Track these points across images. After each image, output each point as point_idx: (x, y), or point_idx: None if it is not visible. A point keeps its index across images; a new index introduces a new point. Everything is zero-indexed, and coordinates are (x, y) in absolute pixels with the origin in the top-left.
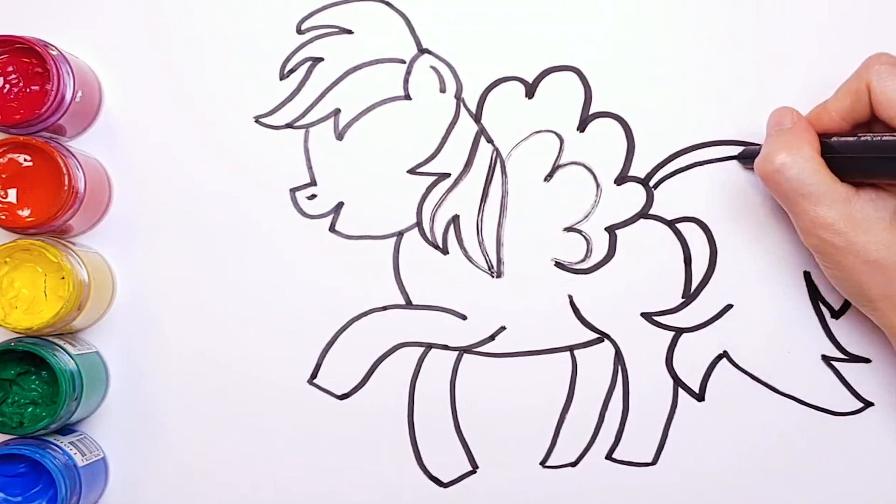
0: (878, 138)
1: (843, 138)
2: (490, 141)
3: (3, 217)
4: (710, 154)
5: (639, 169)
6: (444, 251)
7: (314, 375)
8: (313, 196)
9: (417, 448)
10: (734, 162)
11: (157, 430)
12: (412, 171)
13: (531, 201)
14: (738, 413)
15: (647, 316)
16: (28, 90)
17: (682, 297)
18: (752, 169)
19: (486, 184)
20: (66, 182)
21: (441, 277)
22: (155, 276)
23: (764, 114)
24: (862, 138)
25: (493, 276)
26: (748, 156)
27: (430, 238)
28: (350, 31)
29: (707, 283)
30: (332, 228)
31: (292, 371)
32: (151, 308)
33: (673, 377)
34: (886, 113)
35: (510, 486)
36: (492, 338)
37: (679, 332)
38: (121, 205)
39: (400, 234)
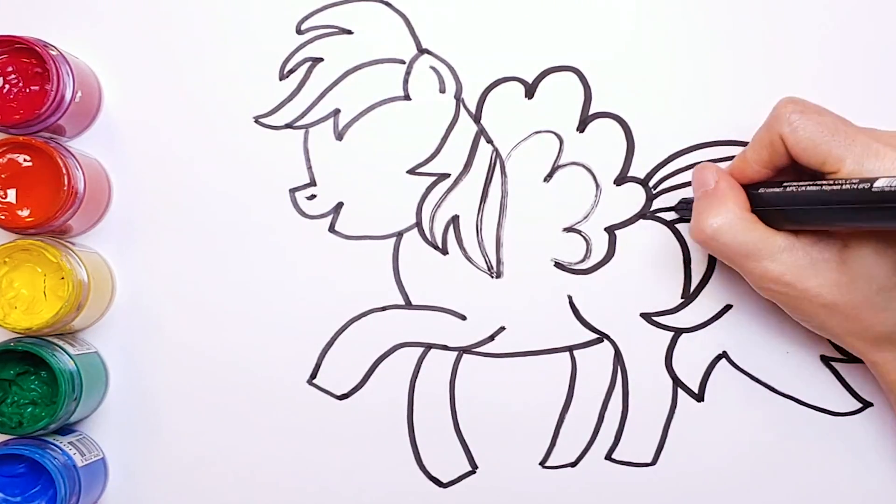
0: (803, 188)
1: (769, 189)
2: (490, 141)
3: (3, 217)
4: (710, 154)
5: (638, 169)
6: (444, 251)
7: (314, 375)
8: (313, 196)
9: (417, 448)
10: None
11: (157, 430)
12: (412, 172)
13: (531, 201)
14: (738, 413)
15: (646, 316)
16: (28, 90)
17: (682, 298)
18: (687, 221)
19: (485, 184)
20: (66, 182)
21: (441, 278)
22: (154, 276)
23: (764, 114)
24: (788, 189)
25: (492, 277)
26: (682, 209)
27: (429, 238)
28: (350, 32)
29: (706, 283)
30: (331, 229)
31: (292, 371)
32: (151, 308)
33: (672, 377)
34: (804, 160)
35: (510, 487)
36: (491, 338)
37: (678, 332)
38: (120, 205)
39: (399, 235)
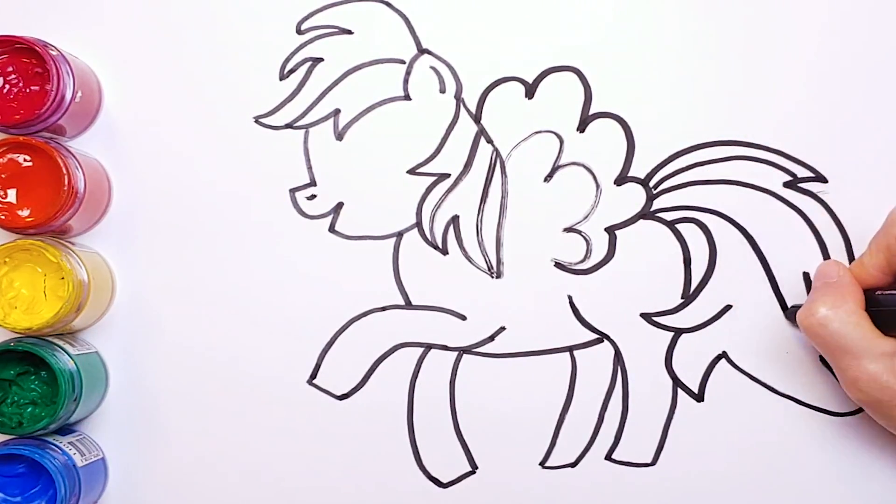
0: None
1: (887, 292)
2: (490, 141)
3: (3, 217)
4: (710, 154)
5: (639, 169)
6: (444, 251)
7: (314, 375)
8: (313, 196)
9: (417, 448)
10: (733, 163)
11: (157, 430)
12: (412, 172)
13: (531, 202)
14: (738, 413)
15: (646, 316)
16: (28, 90)
17: (682, 298)
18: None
19: (485, 184)
20: (66, 182)
21: (441, 278)
22: (155, 276)
23: (764, 114)
24: None
25: (492, 277)
26: (794, 313)
27: (429, 238)
28: (350, 32)
29: (706, 283)
30: (331, 229)
31: (292, 371)
32: (151, 308)
33: (672, 378)
34: None
35: (510, 487)
36: (491, 338)
37: (678, 332)
38: (121, 205)
39: (400, 235)
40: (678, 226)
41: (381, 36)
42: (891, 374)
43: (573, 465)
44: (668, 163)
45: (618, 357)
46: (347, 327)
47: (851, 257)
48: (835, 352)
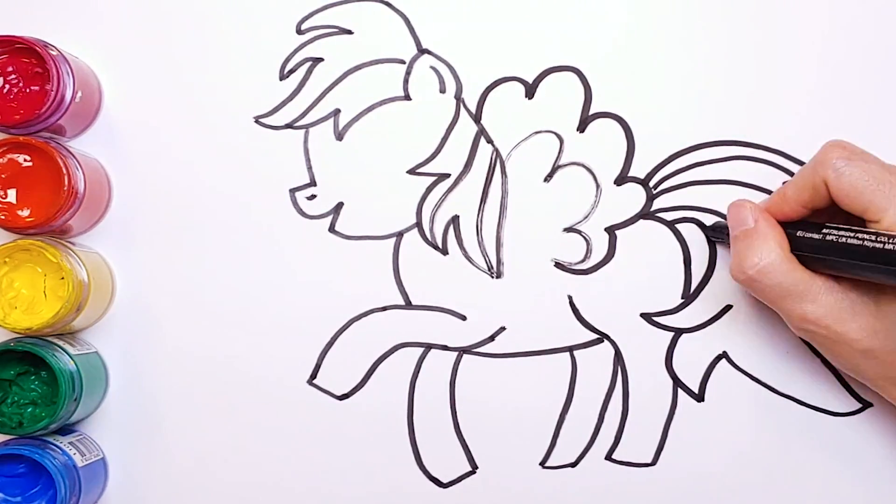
0: (843, 239)
1: (808, 234)
2: (490, 141)
3: (3, 217)
4: (710, 154)
5: (639, 169)
6: (444, 251)
7: (314, 376)
8: (313, 196)
9: (417, 448)
10: (733, 162)
11: (157, 431)
12: (412, 172)
13: (531, 202)
14: (738, 413)
15: (646, 316)
16: (28, 90)
17: (682, 298)
18: (723, 244)
19: (485, 184)
20: (66, 182)
21: (441, 278)
22: (155, 276)
23: (764, 114)
24: (828, 237)
25: (492, 277)
26: (717, 230)
27: (429, 238)
28: (350, 32)
29: (706, 283)
30: (331, 229)
31: (292, 371)
32: (151, 308)
33: (672, 378)
34: (846, 207)
35: (510, 487)
36: (491, 338)
37: (679, 332)
38: (121, 205)
39: (400, 235)
40: (678, 226)
41: (381, 36)
42: (832, 314)
43: (573, 465)
44: (669, 163)
45: (618, 357)
46: (347, 327)
47: None
48: (775, 300)
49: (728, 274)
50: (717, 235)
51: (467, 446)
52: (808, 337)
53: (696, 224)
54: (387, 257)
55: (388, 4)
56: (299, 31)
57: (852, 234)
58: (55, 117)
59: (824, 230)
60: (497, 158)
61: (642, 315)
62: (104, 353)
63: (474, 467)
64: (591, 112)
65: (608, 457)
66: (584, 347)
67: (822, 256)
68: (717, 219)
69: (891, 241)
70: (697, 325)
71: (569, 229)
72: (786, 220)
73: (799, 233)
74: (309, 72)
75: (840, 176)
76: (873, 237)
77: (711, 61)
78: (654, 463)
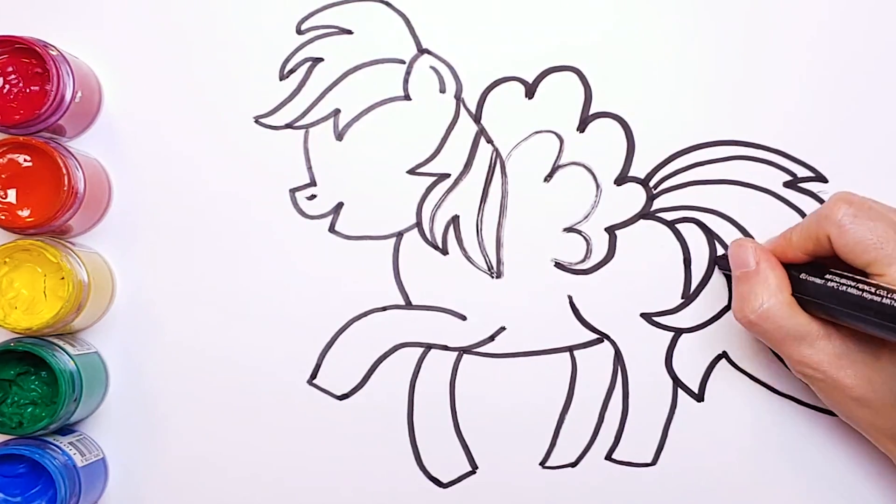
0: (844, 288)
1: (811, 278)
2: (490, 141)
3: (3, 217)
4: (710, 154)
5: (639, 169)
6: (444, 251)
7: (314, 376)
8: (313, 196)
9: (417, 448)
10: (733, 162)
11: (157, 431)
12: (412, 172)
13: (531, 202)
14: (738, 413)
15: (646, 316)
16: (28, 90)
17: (682, 298)
18: (729, 275)
19: (485, 184)
20: (66, 182)
21: (441, 278)
22: (155, 276)
23: (764, 114)
24: (829, 284)
25: (492, 277)
26: (723, 265)
27: (429, 238)
28: (350, 32)
29: (707, 283)
30: (331, 229)
31: (292, 371)
32: (151, 308)
33: (672, 377)
34: (849, 261)
35: (510, 487)
36: (491, 338)
37: (679, 332)
38: (121, 205)
39: (400, 235)
40: (678, 226)
41: (381, 36)
42: (829, 360)
43: (573, 464)
44: (669, 163)
45: (618, 357)
46: (347, 327)
47: None
48: (775, 343)
49: (727, 275)
50: (728, 268)
51: (467, 446)
52: (805, 379)
53: (715, 261)
54: (387, 257)
55: (388, 4)
56: (299, 31)
57: (853, 284)
58: (55, 117)
59: (827, 276)
60: (497, 158)
61: (642, 315)
62: (104, 354)
63: (474, 467)
64: (591, 112)
65: (608, 457)
66: (584, 347)
67: (822, 302)
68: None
69: (889, 295)
70: (697, 325)
71: (569, 229)
72: (788, 263)
73: (802, 275)
74: (309, 72)
75: (844, 233)
76: (873, 290)
77: (711, 61)
78: (654, 463)
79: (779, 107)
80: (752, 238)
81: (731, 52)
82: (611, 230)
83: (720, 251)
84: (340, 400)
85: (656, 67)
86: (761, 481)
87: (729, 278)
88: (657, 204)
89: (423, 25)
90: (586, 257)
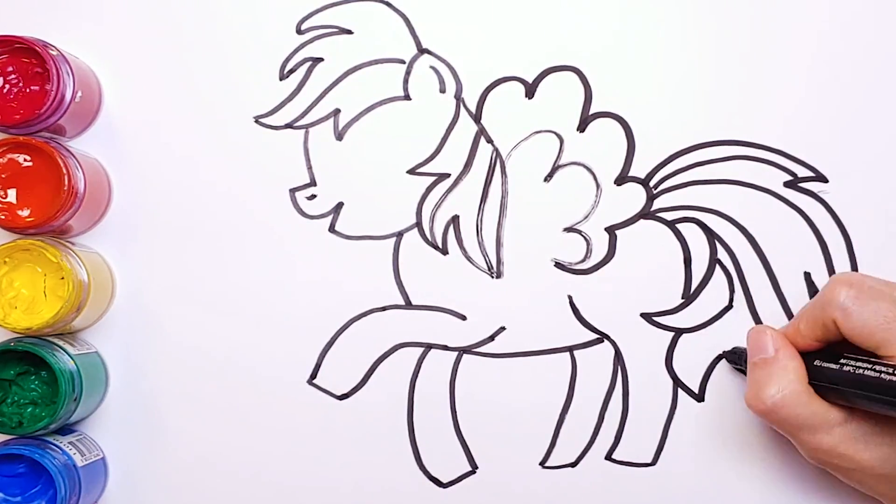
0: (861, 371)
1: (826, 364)
2: (490, 141)
3: (3, 217)
4: (710, 154)
5: (639, 169)
6: (444, 251)
7: (314, 375)
8: (313, 196)
9: (417, 448)
10: (734, 162)
11: (157, 430)
12: (412, 172)
13: (531, 201)
14: (738, 413)
15: (646, 316)
16: (28, 90)
17: (682, 298)
18: (741, 370)
19: (485, 184)
20: (66, 182)
21: (441, 278)
22: (155, 276)
23: (765, 114)
24: (845, 368)
25: (492, 277)
26: (734, 359)
27: (429, 238)
28: (350, 32)
29: (707, 283)
30: (331, 229)
31: (292, 371)
32: (151, 308)
33: (673, 377)
34: (858, 344)
35: (510, 487)
36: (491, 338)
37: (679, 332)
38: (120, 205)
39: (400, 235)
40: (678, 225)
41: (381, 36)
42: (846, 443)
43: (573, 464)
44: (669, 162)
45: (618, 357)
46: (347, 327)
47: (852, 257)
48: (789, 430)
49: (728, 274)
50: (738, 362)
51: (467, 446)
52: (822, 465)
53: (723, 355)
54: (387, 257)
55: (388, 4)
56: (299, 31)
57: (870, 367)
58: (55, 117)
59: (842, 360)
60: (497, 158)
61: (642, 315)
62: (104, 353)
63: (474, 467)
64: (591, 112)
65: (608, 457)
66: (585, 347)
67: (839, 388)
68: (739, 346)
69: None
70: (697, 325)
71: (569, 229)
72: (801, 350)
73: (816, 362)
74: (309, 72)
75: (849, 317)
76: (891, 370)
77: (712, 61)
78: (654, 463)
79: (779, 106)
80: (771, 326)
81: (732, 51)
82: (611, 230)
83: (720, 252)
84: (340, 400)
85: (656, 67)
86: (761, 481)
87: (740, 372)
88: (657, 204)
89: (423, 25)
90: (586, 257)
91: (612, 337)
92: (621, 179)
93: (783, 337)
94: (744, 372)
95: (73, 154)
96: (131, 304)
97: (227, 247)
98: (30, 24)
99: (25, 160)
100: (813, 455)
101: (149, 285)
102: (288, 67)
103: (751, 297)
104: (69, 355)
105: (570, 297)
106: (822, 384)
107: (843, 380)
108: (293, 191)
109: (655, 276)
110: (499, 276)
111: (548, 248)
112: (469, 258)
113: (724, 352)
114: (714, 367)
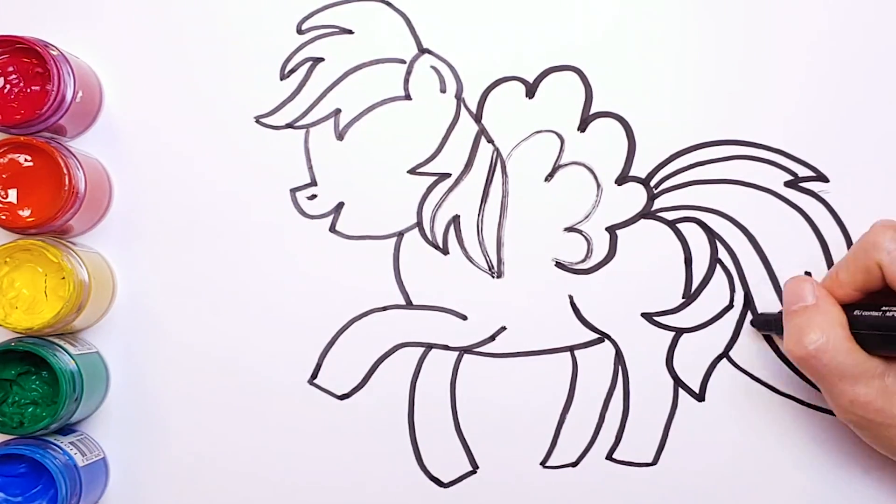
0: None
1: (867, 313)
2: (490, 141)
3: (4, 217)
4: (710, 154)
5: (639, 169)
6: (445, 251)
7: (314, 375)
8: (314, 196)
9: (417, 448)
10: (734, 162)
11: (158, 430)
12: (412, 171)
13: (532, 201)
14: (738, 413)
15: (647, 316)
16: (28, 90)
17: (683, 298)
18: (767, 335)
19: (486, 184)
20: (67, 182)
21: (441, 277)
22: (155, 276)
23: (765, 113)
24: (888, 314)
25: (493, 277)
26: (761, 324)
27: (430, 238)
28: (350, 31)
29: (707, 283)
30: (332, 228)
31: (292, 371)
32: (151, 308)
33: (673, 377)
34: None
35: (510, 487)
36: (492, 338)
37: (679, 332)
38: (121, 205)
39: (400, 235)
40: (679, 225)
41: (382, 36)
42: (883, 396)
43: (574, 464)
44: (669, 162)
45: (619, 357)
46: (348, 327)
47: None
48: (829, 379)
49: (728, 274)
50: (765, 326)
51: (468, 446)
52: (853, 420)
53: (751, 321)
54: (387, 257)
55: (389, 4)
56: (300, 31)
57: None
58: (56, 117)
59: (884, 308)
60: (498, 158)
61: (643, 315)
62: (105, 353)
63: (475, 467)
64: (591, 111)
65: (609, 456)
66: (585, 347)
67: (883, 333)
68: (768, 311)
69: None
70: (698, 325)
71: (569, 229)
72: (841, 303)
73: (856, 312)
74: (309, 72)
75: (895, 260)
76: None
77: (712, 61)
78: (654, 463)
79: (780, 106)
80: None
81: (732, 51)
82: (612, 230)
83: (721, 252)
84: (341, 400)
85: (657, 67)
86: (761, 481)
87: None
88: (658, 203)
89: (423, 25)
90: (587, 257)
91: (613, 337)
92: (622, 179)
93: (822, 287)
94: (770, 338)
95: (73, 154)
96: (132, 304)
97: (227, 247)
98: (30, 24)
99: (26, 160)
100: (848, 408)
101: (150, 285)
102: (288, 67)
103: (751, 297)
104: (70, 355)
105: (570, 297)
106: (864, 332)
107: (886, 325)
108: (294, 191)
109: (656, 276)
110: (499, 275)
111: (548, 248)
112: (470, 258)
113: (751, 319)
114: (715, 366)
